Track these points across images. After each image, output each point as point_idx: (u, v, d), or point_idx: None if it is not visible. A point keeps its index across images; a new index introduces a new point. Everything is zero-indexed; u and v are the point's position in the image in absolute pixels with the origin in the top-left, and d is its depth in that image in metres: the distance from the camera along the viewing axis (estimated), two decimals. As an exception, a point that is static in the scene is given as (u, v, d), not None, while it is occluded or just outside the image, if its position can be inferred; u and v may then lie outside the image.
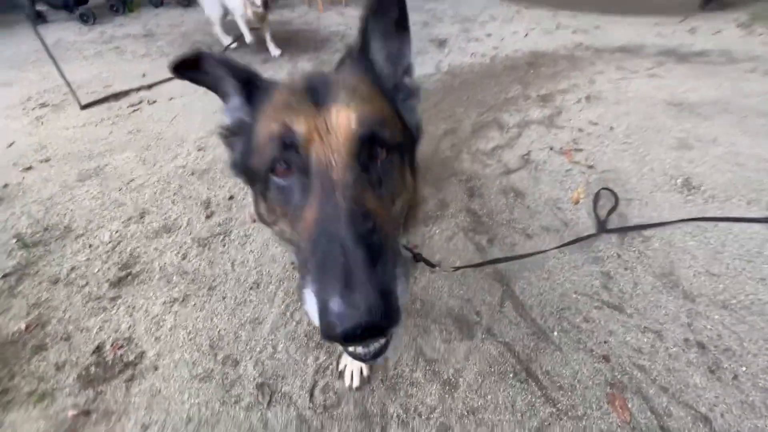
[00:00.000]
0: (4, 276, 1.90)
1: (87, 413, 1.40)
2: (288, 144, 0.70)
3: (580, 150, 2.54)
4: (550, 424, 1.31)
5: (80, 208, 2.31)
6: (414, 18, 5.34)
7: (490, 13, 5.41)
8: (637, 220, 2.01)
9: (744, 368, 1.40)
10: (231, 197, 2.32)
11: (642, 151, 2.48)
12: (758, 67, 3.33)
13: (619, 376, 1.41)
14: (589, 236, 1.88)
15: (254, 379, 1.47)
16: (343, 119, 0.69)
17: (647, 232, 1.93)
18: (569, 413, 1.33)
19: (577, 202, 2.14)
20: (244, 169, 0.84)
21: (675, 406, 1.32)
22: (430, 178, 2.38)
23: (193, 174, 2.54)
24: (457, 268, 1.70)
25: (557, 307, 1.65)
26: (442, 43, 4.43)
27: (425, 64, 3.92)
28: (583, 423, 1.30)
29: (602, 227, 1.93)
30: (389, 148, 0.74)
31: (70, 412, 1.40)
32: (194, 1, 6.70)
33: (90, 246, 2.05)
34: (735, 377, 1.38)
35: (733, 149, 2.40)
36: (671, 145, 2.51)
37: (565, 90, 3.26)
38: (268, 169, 0.73)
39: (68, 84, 3.32)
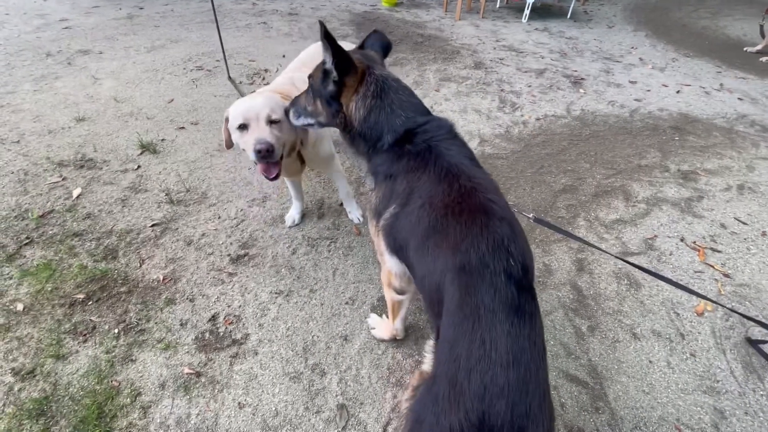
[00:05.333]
0: (153, 225, 2.25)
1: (198, 375, 1.63)
2: None
3: (718, 251, 2.25)
4: None
5: (216, 177, 2.62)
6: (552, 44, 5.06)
7: (641, 54, 4.91)
8: (772, 358, 1.75)
9: None
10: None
11: (798, 273, 2.14)
12: None
13: None
14: None
15: (336, 395, 1.58)
16: None
17: (783, 377, 1.68)
18: None
19: (701, 314, 1.93)
20: None
21: None
22: (538, 236, 2.30)
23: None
24: None
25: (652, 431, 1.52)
26: (577, 82, 4.15)
27: (556, 102, 3.71)
28: None
29: None
30: None
31: (186, 369, 1.64)
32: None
33: (219, 217, 2.34)
34: None
35: None
36: (839, 275, 2.12)
37: (714, 171, 2.88)
38: None
39: (224, 54, 3.72)
